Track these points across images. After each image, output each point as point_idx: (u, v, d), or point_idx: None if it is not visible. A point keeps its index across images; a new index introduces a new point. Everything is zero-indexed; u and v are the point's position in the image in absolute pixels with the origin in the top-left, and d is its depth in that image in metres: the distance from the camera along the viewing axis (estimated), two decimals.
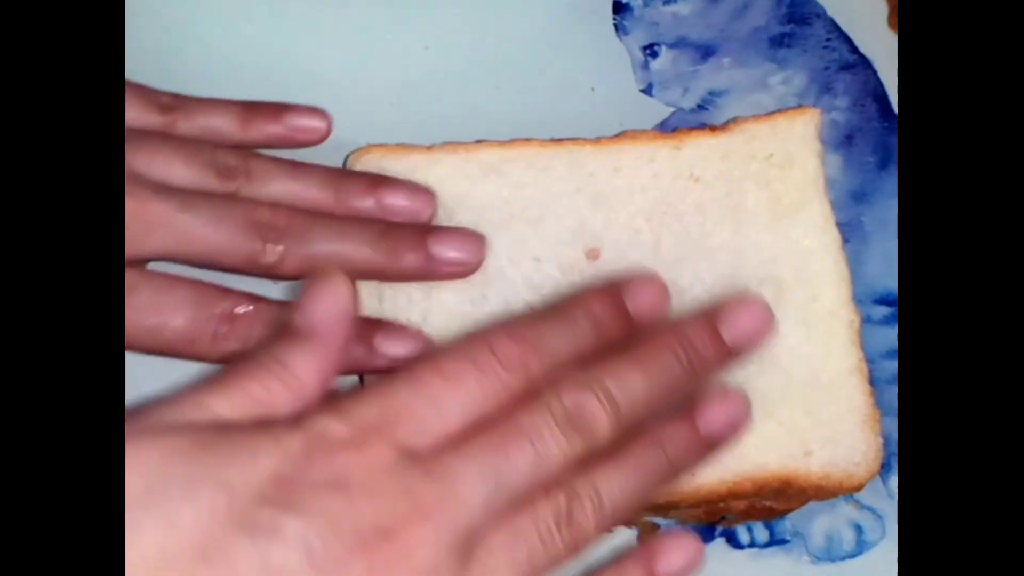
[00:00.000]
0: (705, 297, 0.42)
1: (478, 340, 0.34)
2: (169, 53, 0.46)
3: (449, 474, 0.31)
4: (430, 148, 0.43)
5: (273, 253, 0.39)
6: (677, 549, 0.35)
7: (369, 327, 0.40)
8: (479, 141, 0.43)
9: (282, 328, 0.34)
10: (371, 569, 0.30)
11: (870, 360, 0.42)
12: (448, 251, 0.40)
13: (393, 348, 0.39)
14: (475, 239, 0.41)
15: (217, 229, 0.39)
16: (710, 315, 0.38)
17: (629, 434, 0.35)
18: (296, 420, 0.31)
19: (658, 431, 0.36)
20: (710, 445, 0.37)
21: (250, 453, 0.30)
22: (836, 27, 0.47)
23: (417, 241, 0.40)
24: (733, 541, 0.44)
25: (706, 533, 0.43)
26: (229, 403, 0.31)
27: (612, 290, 0.37)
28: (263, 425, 0.31)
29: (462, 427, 0.33)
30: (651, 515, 0.42)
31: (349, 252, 0.39)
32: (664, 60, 0.47)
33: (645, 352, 0.36)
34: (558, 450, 0.33)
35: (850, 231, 0.45)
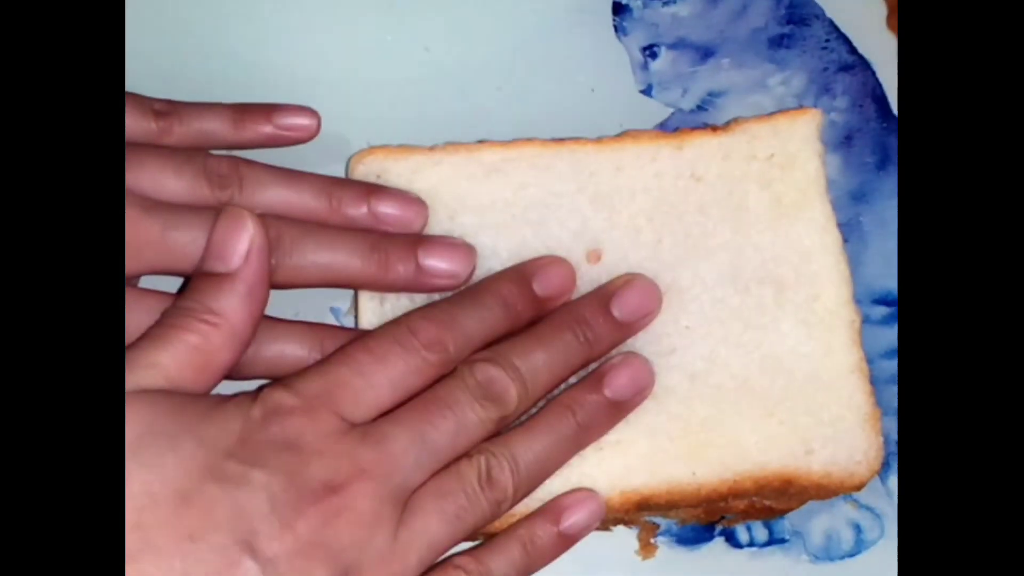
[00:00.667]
0: (706, 298, 0.42)
1: (402, 323, 0.38)
2: (169, 55, 0.46)
3: (384, 438, 0.36)
4: (432, 149, 0.43)
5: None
6: (582, 505, 0.40)
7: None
8: (481, 141, 0.43)
9: (203, 273, 0.38)
10: (322, 517, 0.34)
11: (869, 360, 0.42)
12: (438, 263, 0.41)
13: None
14: (464, 250, 0.41)
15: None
16: (602, 294, 0.41)
17: (545, 405, 0.40)
18: (254, 394, 0.36)
19: (568, 398, 0.40)
20: (617, 407, 0.40)
21: (221, 417, 0.35)
22: (835, 28, 0.48)
23: (408, 252, 0.40)
24: (732, 540, 0.44)
25: (706, 532, 0.44)
26: (173, 357, 0.36)
27: (520, 274, 0.41)
28: (226, 398, 0.36)
29: (392, 398, 0.37)
30: (651, 514, 0.43)
31: (340, 263, 0.40)
32: (663, 61, 0.48)
33: (545, 330, 0.40)
34: (475, 417, 0.37)
35: (849, 231, 0.45)
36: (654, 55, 0.48)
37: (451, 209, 0.42)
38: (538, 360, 0.39)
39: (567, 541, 0.40)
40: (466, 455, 0.38)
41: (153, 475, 0.33)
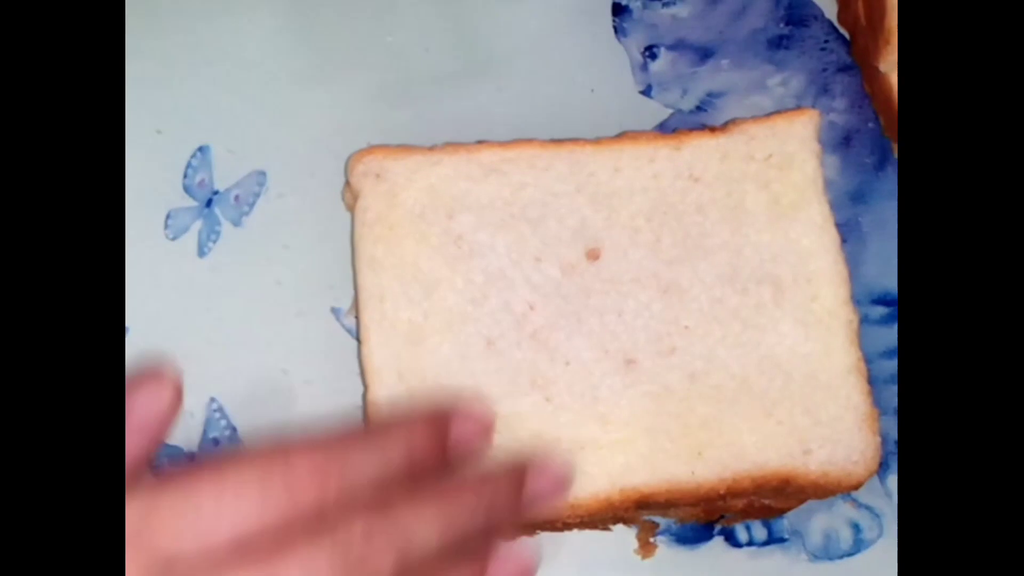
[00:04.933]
0: (704, 298, 0.42)
1: (278, 452, 0.31)
2: (169, 54, 0.47)
3: None
4: (431, 148, 0.43)
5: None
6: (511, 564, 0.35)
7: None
8: (480, 142, 0.43)
9: None
10: None
11: (868, 359, 0.42)
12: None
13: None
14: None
15: None
16: (516, 471, 0.36)
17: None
18: None
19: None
20: None
21: None
22: (834, 29, 0.48)
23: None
24: (731, 540, 0.44)
25: (705, 532, 0.44)
26: None
27: (435, 421, 0.35)
28: None
29: (231, 542, 0.30)
30: (650, 513, 0.43)
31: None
32: (663, 62, 0.48)
33: (447, 498, 0.34)
34: None
35: (848, 231, 0.45)
36: (654, 56, 0.48)
37: (450, 209, 0.42)
38: (429, 531, 0.33)
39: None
40: None
41: None
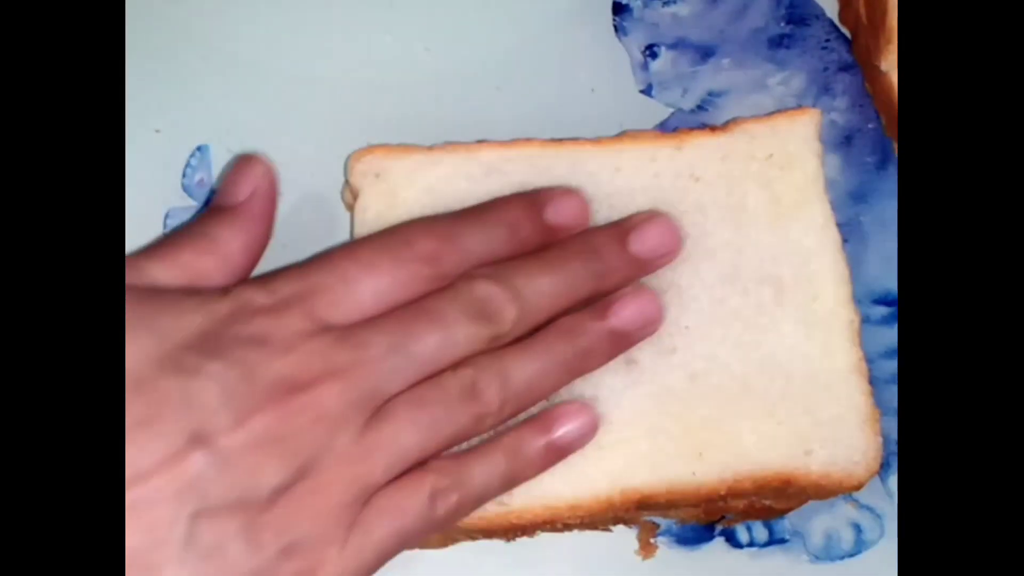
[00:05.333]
0: (705, 298, 0.42)
1: (398, 233, 0.38)
2: (169, 53, 0.46)
3: (360, 342, 0.35)
4: (431, 148, 0.43)
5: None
6: (575, 416, 0.39)
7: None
8: (480, 141, 0.43)
9: (213, 207, 0.39)
10: (280, 415, 0.33)
11: (869, 360, 0.42)
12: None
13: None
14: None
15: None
16: (621, 227, 0.40)
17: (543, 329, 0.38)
18: (225, 289, 0.35)
19: (570, 322, 0.38)
20: (620, 337, 0.39)
21: (181, 310, 0.34)
22: (835, 28, 0.48)
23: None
24: (732, 540, 0.44)
25: (706, 532, 0.44)
26: (163, 268, 0.36)
27: (532, 199, 0.40)
28: (195, 291, 0.35)
29: (375, 308, 0.36)
30: (651, 514, 0.43)
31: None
32: (663, 61, 0.48)
33: (553, 255, 0.39)
34: (463, 333, 0.36)
35: (849, 231, 0.45)
36: (654, 55, 0.48)
37: (450, 208, 0.42)
38: (541, 284, 0.38)
39: (556, 453, 0.38)
40: (451, 367, 0.36)
41: None
